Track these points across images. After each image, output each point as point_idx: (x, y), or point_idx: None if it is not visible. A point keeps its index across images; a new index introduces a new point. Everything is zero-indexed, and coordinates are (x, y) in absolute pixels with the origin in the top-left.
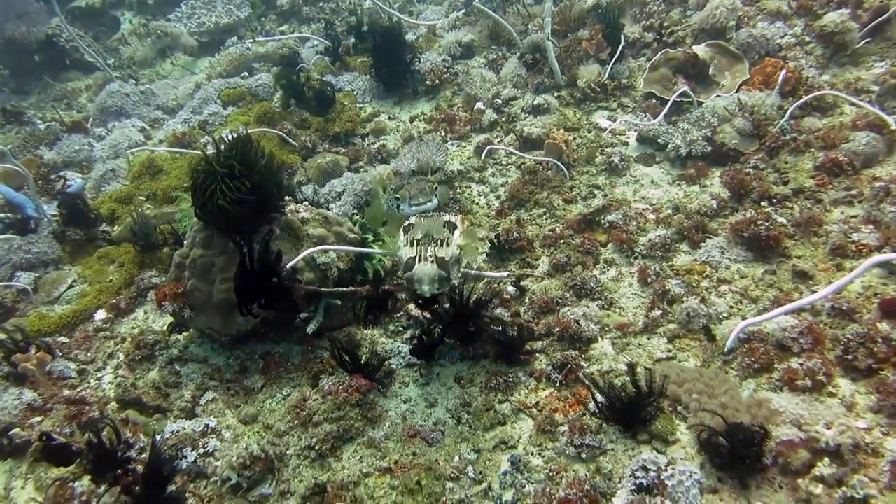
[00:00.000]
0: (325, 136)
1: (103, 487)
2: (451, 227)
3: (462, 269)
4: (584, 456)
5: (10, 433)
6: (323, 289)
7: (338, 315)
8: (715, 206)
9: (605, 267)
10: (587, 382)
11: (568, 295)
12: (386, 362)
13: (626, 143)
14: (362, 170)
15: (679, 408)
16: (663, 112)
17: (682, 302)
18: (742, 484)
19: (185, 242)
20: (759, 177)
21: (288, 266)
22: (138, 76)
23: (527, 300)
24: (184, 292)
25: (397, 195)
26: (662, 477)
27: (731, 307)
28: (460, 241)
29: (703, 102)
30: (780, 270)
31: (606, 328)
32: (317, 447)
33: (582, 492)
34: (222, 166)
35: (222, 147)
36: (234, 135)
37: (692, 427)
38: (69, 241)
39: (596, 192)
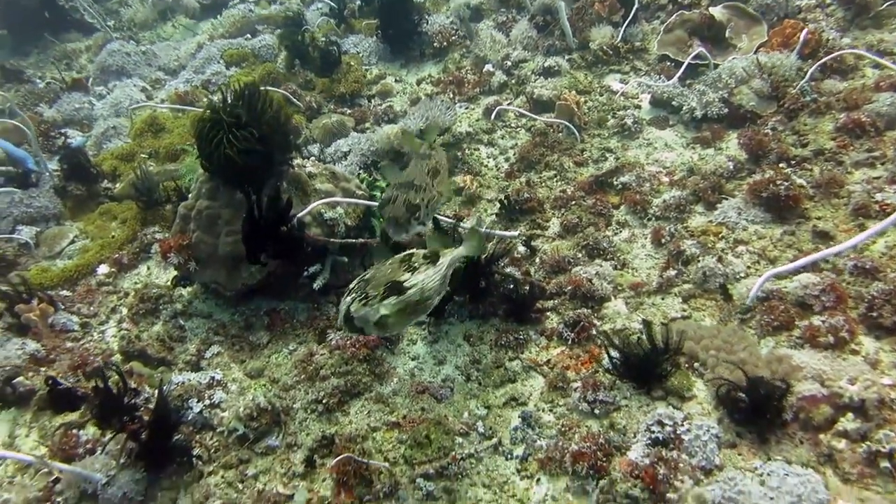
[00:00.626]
0: (331, 97)
1: (109, 434)
2: (435, 173)
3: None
4: (597, 412)
5: (13, 381)
6: (332, 240)
7: (344, 273)
8: (731, 167)
9: (617, 228)
10: (601, 338)
11: (580, 255)
12: None
13: (639, 107)
14: (368, 131)
15: (696, 364)
16: (678, 74)
17: (698, 262)
18: (761, 439)
19: (190, 195)
20: (777, 138)
21: (295, 218)
22: (139, 38)
23: (538, 260)
24: (189, 244)
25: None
26: (678, 431)
27: (749, 267)
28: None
29: (718, 65)
30: (799, 231)
31: (619, 287)
32: (324, 401)
33: (596, 445)
34: (229, 115)
35: (229, 96)
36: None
37: (710, 382)
38: (70, 197)
39: (608, 155)
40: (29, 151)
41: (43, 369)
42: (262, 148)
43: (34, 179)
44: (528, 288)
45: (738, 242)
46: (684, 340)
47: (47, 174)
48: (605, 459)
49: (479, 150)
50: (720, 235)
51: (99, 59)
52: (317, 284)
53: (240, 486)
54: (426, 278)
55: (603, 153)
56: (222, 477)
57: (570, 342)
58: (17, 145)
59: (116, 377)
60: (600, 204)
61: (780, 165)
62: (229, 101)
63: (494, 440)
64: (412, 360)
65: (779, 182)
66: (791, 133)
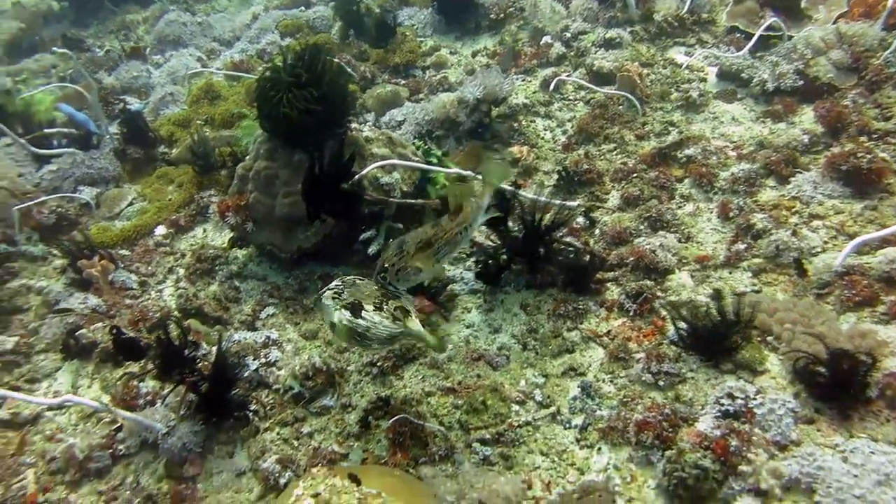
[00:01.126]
0: (385, 67)
1: (168, 387)
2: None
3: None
4: (661, 383)
5: (76, 334)
6: (390, 198)
7: (397, 238)
8: (806, 140)
9: (681, 202)
10: (667, 310)
11: (642, 227)
12: (449, 287)
13: (705, 80)
14: (423, 101)
15: (769, 338)
16: (749, 45)
17: (770, 236)
18: (843, 415)
19: (247, 156)
20: (858, 111)
21: (356, 177)
22: (194, 10)
23: (597, 231)
24: (246, 205)
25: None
26: (750, 405)
27: (826, 242)
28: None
29: (792, 37)
30: (881, 206)
31: (684, 260)
32: (379, 364)
33: (661, 415)
34: (289, 75)
35: (290, 57)
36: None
37: (785, 356)
38: (129, 160)
39: (671, 128)
40: (90, 115)
41: (104, 324)
42: (321, 108)
43: (95, 142)
44: (588, 258)
45: (813, 217)
46: (757, 313)
47: (108, 137)
48: (671, 430)
49: (535, 122)
50: (793, 210)
51: (157, 29)
52: (371, 249)
53: (295, 443)
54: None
55: (665, 127)
56: (278, 434)
57: (631, 314)
58: (79, 110)
59: (177, 330)
60: (663, 177)
61: (861, 139)
62: (290, 62)
63: (553, 409)
64: (467, 327)
65: (860, 155)
66: (873, 106)
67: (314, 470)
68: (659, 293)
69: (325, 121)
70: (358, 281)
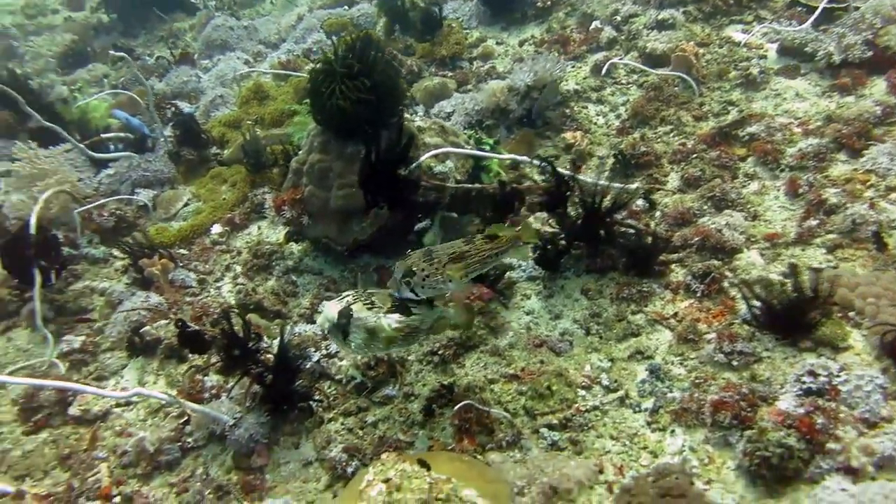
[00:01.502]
0: (431, 60)
1: (233, 380)
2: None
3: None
4: (735, 363)
5: (140, 331)
6: (448, 184)
7: (453, 229)
8: (879, 112)
9: (745, 180)
10: (739, 288)
11: (706, 207)
12: (506, 274)
13: (765, 57)
14: (472, 91)
15: (850, 314)
16: (812, 18)
17: (845, 210)
18: None
19: (301, 150)
20: None
21: (414, 164)
22: (239, 16)
23: (657, 214)
24: (301, 198)
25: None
26: (834, 382)
27: None
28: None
29: (859, 7)
30: None
31: (753, 238)
32: (440, 352)
33: (738, 395)
34: (341, 66)
35: (341, 48)
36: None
37: (870, 331)
38: (183, 162)
39: (730, 108)
40: (143, 120)
41: (166, 321)
42: (374, 98)
43: (150, 145)
44: (651, 239)
45: (890, 189)
46: (837, 287)
47: (162, 139)
48: (749, 410)
49: (587, 107)
50: (868, 183)
51: (204, 34)
52: (426, 239)
53: (360, 432)
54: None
55: (724, 106)
56: (342, 423)
57: (699, 294)
58: (132, 116)
59: (240, 322)
60: (725, 156)
61: None
62: (341, 53)
63: (621, 393)
64: (527, 314)
65: None
66: None
67: (383, 456)
68: (727, 273)
69: (378, 110)
70: (370, 291)
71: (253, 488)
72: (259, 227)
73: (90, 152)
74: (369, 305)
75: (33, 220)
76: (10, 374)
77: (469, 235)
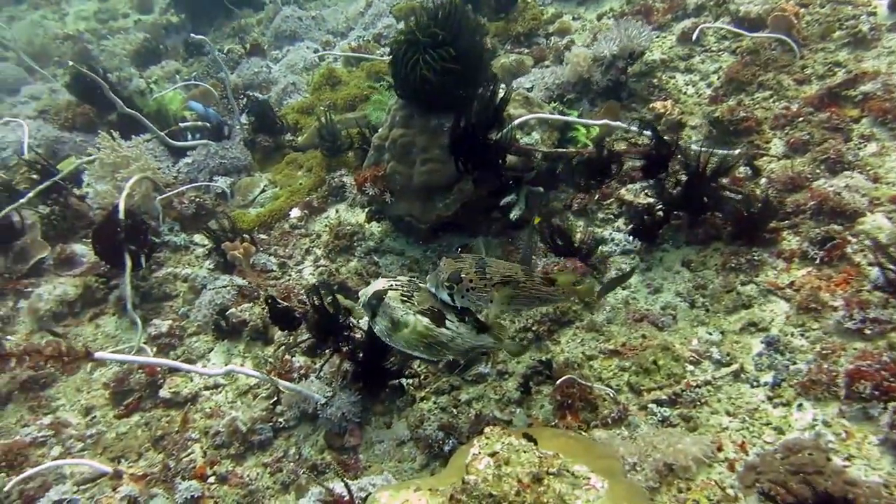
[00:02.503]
0: (506, 38)
1: (321, 360)
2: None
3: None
4: (868, 332)
5: (226, 314)
6: (541, 148)
7: (537, 203)
8: None
9: (860, 143)
10: (874, 251)
11: (819, 170)
12: (599, 248)
13: (874, 13)
14: (550, 67)
15: None
16: None
17: None
18: None
19: (381, 127)
20: None
21: (507, 128)
22: (305, 7)
23: (763, 181)
24: (384, 175)
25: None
26: None
27: None
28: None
29: None
30: None
31: (877, 201)
32: (533, 328)
33: (879, 364)
34: (425, 35)
35: (424, 17)
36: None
37: None
38: (259, 149)
39: (836, 69)
40: (217, 111)
41: (250, 304)
42: (459, 67)
43: (227, 133)
44: (759, 206)
45: None
46: None
47: (238, 127)
48: (893, 379)
49: (674, 77)
50: None
51: (273, 26)
52: (513, 215)
53: (454, 410)
54: None
55: (829, 68)
56: (435, 403)
57: (818, 262)
58: (206, 107)
59: (329, 297)
60: (836, 118)
61: None
62: (425, 22)
63: (735, 367)
64: (623, 288)
65: None
66: None
67: (487, 429)
68: (850, 238)
69: (464, 81)
70: (421, 285)
71: (347, 468)
72: (337, 211)
73: (169, 140)
74: (406, 297)
75: (122, 205)
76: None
77: (530, 268)
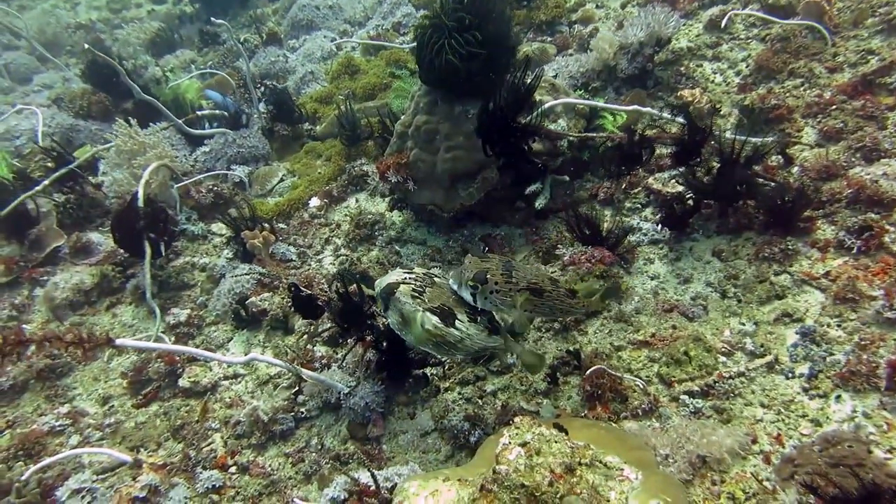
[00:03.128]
0: (529, 26)
1: (343, 351)
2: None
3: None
4: None
5: (246, 303)
6: (570, 133)
7: (562, 193)
8: None
9: None
10: None
11: (855, 159)
12: (627, 237)
13: None
14: (574, 55)
15: None
16: None
17: None
18: None
19: (404, 114)
20: None
21: (537, 111)
22: None
23: (795, 170)
24: (406, 163)
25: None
26: None
27: None
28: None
29: None
30: None
31: None
32: (559, 319)
33: None
34: (451, 19)
35: (449, 1)
36: None
37: None
38: (277, 138)
39: (869, 57)
40: (234, 101)
41: (269, 294)
42: (485, 51)
43: (245, 122)
44: (794, 194)
45: None
46: None
47: (256, 116)
48: None
49: (702, 65)
50: None
51: (290, 15)
52: (539, 203)
53: (479, 401)
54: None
55: (863, 56)
56: (459, 393)
57: (855, 251)
58: (225, 95)
59: (352, 285)
60: (870, 105)
61: None
62: (450, 5)
63: (769, 358)
64: (651, 278)
65: None
66: None
67: (517, 419)
68: (888, 227)
69: (490, 66)
70: (436, 280)
71: (371, 458)
72: (357, 200)
73: (186, 128)
74: (417, 293)
75: (141, 193)
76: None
77: (555, 279)
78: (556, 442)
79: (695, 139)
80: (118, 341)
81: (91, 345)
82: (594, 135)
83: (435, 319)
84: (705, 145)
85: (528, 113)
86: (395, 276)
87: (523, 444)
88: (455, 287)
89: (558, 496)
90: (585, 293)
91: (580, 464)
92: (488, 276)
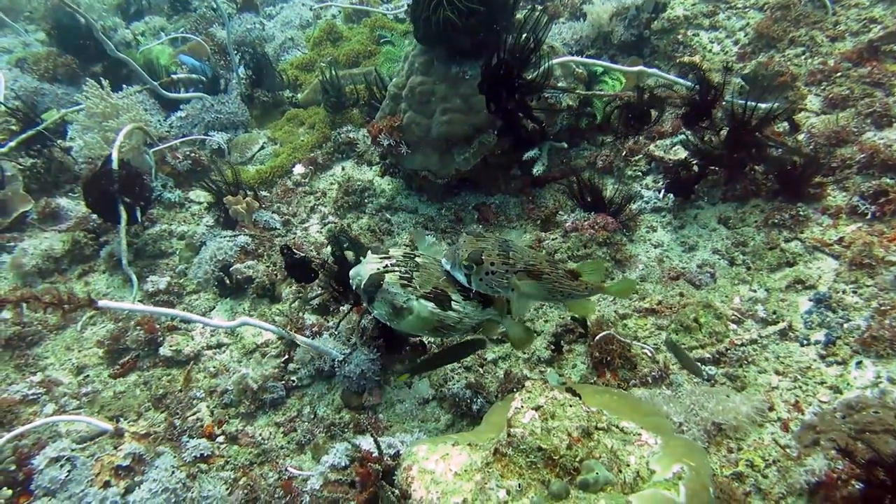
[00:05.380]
0: None
1: (335, 319)
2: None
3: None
4: None
5: (230, 270)
6: (578, 90)
7: (558, 161)
8: None
9: None
10: None
11: (865, 125)
12: (629, 204)
13: None
14: (565, 24)
15: None
16: None
17: None
18: None
19: (398, 74)
20: None
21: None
22: None
23: (801, 137)
24: (400, 126)
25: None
26: None
27: None
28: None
29: None
30: None
31: None
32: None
33: None
34: None
35: None
36: None
37: None
38: (258, 105)
39: (871, 25)
40: (210, 66)
41: (254, 262)
42: (484, 7)
43: (223, 86)
44: (803, 159)
45: None
46: None
47: (235, 82)
48: None
49: (698, 35)
50: None
51: None
52: (536, 169)
53: (480, 370)
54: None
55: (865, 24)
56: (458, 362)
57: (869, 216)
58: (201, 60)
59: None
60: (877, 72)
61: None
62: None
63: (782, 325)
64: (655, 247)
65: None
66: None
67: (528, 383)
68: None
69: (488, 23)
70: (419, 259)
71: (364, 429)
72: (343, 168)
73: (162, 91)
74: (406, 281)
75: (115, 155)
76: (91, 317)
77: (555, 261)
78: (570, 406)
79: (706, 98)
80: (101, 303)
81: (71, 306)
82: (601, 92)
83: (431, 305)
84: (717, 106)
85: (534, 69)
86: (373, 264)
87: (537, 408)
88: (448, 267)
89: (577, 459)
90: (591, 270)
91: (597, 428)
92: (483, 256)
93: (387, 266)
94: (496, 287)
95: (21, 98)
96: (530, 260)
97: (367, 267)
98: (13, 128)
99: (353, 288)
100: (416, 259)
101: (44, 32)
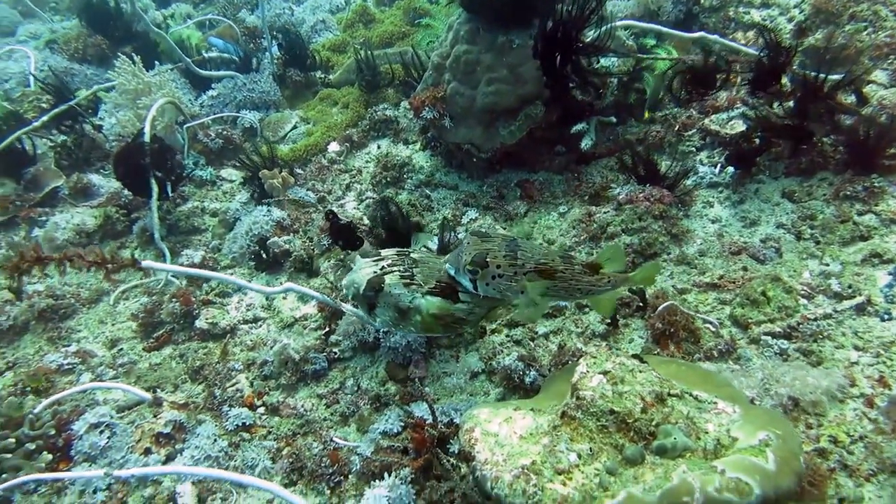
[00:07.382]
0: None
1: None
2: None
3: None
4: None
5: (267, 243)
6: (637, 54)
7: (605, 138)
8: None
9: None
10: None
11: None
12: (684, 179)
13: None
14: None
15: None
16: None
17: None
18: None
19: (441, 45)
20: None
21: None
22: None
23: (868, 110)
24: (443, 97)
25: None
26: None
27: None
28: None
29: None
30: None
31: None
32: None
33: None
34: None
35: None
36: None
37: None
38: (289, 85)
39: None
40: (240, 49)
41: (289, 237)
42: None
43: (255, 66)
44: (876, 129)
45: None
46: None
47: (267, 61)
48: None
49: (749, 13)
50: None
51: None
52: (584, 144)
53: (531, 343)
54: None
55: None
56: (507, 335)
57: None
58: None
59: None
60: None
61: None
62: None
63: (860, 299)
64: (712, 222)
65: None
66: None
67: (592, 349)
68: None
69: None
70: (414, 255)
71: (413, 399)
72: (379, 146)
73: (196, 68)
74: (408, 279)
75: (147, 128)
76: (124, 291)
77: (571, 257)
78: (640, 371)
79: (777, 61)
80: (144, 263)
81: (115, 266)
82: (665, 56)
83: (438, 301)
84: (787, 69)
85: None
86: (368, 268)
87: (605, 373)
88: (451, 272)
89: (653, 423)
90: (610, 256)
91: (670, 395)
92: (489, 258)
93: (383, 268)
94: (505, 291)
95: (55, 73)
96: (541, 258)
97: (362, 272)
98: (44, 105)
99: (350, 297)
100: (412, 255)
101: (74, 16)
